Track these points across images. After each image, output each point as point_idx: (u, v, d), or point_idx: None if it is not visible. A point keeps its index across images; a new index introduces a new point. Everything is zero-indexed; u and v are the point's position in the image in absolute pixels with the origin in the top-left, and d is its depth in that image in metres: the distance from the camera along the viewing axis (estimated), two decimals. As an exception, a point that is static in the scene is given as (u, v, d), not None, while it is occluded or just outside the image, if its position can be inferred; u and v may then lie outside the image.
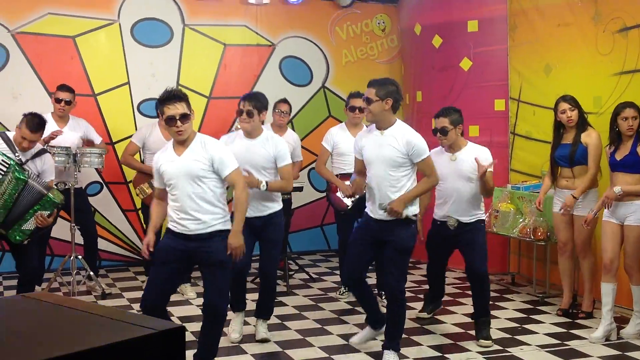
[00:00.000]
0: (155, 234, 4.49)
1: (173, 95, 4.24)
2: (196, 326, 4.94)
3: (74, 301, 1.83)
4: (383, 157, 4.63)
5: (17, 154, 5.26)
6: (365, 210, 4.89)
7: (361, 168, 4.88)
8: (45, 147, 6.18)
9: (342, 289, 6.64)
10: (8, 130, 7.22)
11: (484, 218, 5.40)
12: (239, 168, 4.40)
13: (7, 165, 5.06)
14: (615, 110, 5.30)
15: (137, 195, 6.71)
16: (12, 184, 5.07)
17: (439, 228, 5.43)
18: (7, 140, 5.34)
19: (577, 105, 5.67)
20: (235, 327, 5.30)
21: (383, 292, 5.81)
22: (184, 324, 1.58)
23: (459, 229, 5.29)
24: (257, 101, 5.02)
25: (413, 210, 4.73)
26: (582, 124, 5.68)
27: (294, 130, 7.47)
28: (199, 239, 4.30)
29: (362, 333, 5.19)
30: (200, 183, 4.27)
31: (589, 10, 6.23)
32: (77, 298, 6.07)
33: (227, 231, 4.36)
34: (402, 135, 4.62)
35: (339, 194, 6.27)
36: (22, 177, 5.09)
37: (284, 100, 7.06)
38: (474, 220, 5.29)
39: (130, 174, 7.17)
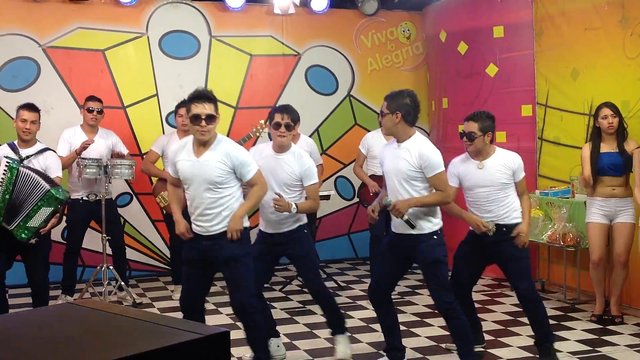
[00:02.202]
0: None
1: (203, 95, 4.26)
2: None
3: (120, 308, 1.88)
4: (397, 170, 4.53)
5: (19, 155, 5.43)
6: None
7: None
8: (77, 159, 6.30)
9: None
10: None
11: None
12: (259, 170, 4.40)
13: (7, 165, 5.15)
14: None
15: (158, 203, 6.78)
16: (7, 176, 5.10)
17: (472, 239, 5.02)
18: (12, 147, 5.53)
19: (618, 113, 5.68)
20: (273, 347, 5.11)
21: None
22: (228, 330, 1.62)
23: (498, 235, 4.85)
24: (293, 114, 4.87)
25: (430, 224, 4.54)
26: (622, 132, 5.68)
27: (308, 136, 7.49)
28: (212, 238, 4.36)
29: None
30: (217, 188, 4.31)
31: (615, 14, 6.20)
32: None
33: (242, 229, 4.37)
34: (416, 148, 4.48)
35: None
36: (14, 165, 5.13)
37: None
38: (513, 222, 4.85)
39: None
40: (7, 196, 5.09)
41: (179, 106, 6.63)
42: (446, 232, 4.72)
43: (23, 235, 5.15)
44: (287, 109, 4.87)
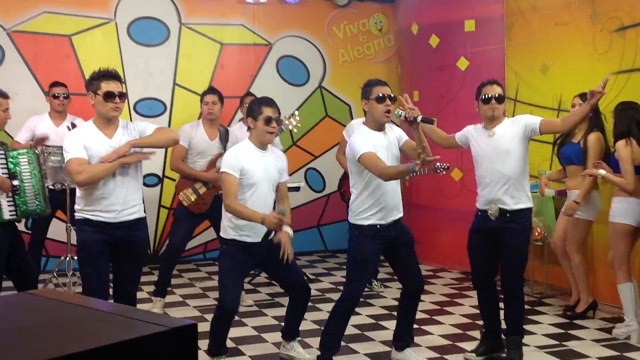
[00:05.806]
0: None
1: (113, 75, 4.28)
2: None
3: (82, 298, 1.81)
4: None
5: None
6: (368, 224, 4.52)
7: None
8: (39, 148, 6.15)
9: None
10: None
11: (530, 206, 4.79)
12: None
13: (3, 154, 4.98)
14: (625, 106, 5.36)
15: (182, 201, 6.14)
16: (32, 164, 5.04)
17: (480, 220, 4.84)
18: None
19: None
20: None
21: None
22: (195, 322, 1.56)
23: (501, 219, 4.71)
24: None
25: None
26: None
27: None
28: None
29: None
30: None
31: (586, 10, 6.23)
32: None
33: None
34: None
35: None
36: (26, 150, 5.11)
37: (249, 94, 7.10)
38: (518, 208, 4.68)
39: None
40: (42, 181, 5.11)
41: (204, 94, 6.33)
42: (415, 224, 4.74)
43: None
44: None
